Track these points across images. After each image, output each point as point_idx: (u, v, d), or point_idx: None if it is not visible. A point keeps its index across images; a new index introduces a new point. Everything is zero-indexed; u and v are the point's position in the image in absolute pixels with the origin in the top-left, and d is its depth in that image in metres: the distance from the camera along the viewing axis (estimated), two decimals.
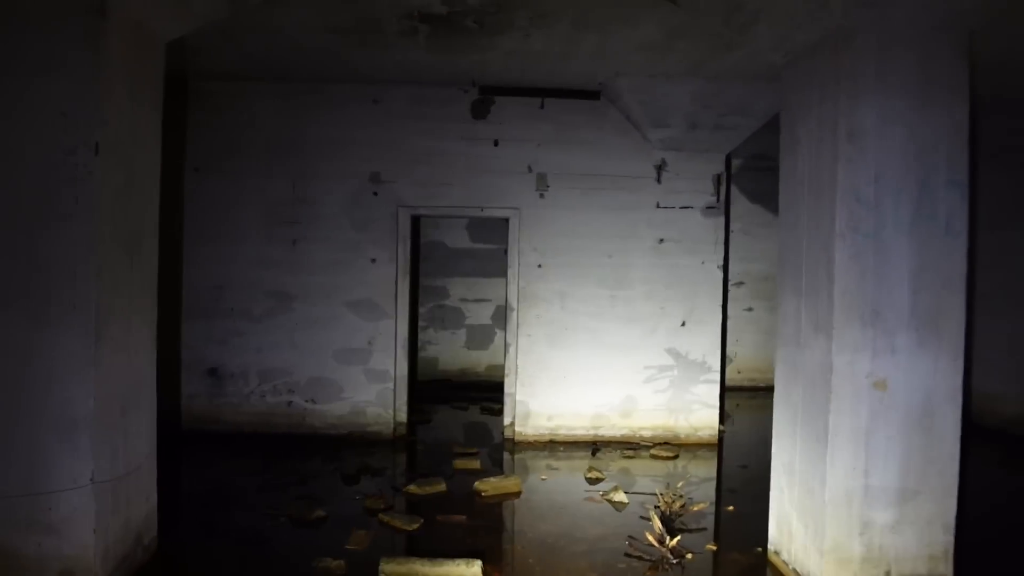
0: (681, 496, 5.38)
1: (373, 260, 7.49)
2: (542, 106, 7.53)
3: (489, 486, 5.89)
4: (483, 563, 4.30)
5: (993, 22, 4.01)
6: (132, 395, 4.15)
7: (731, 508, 5.66)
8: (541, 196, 7.54)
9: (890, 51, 3.85)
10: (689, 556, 4.59)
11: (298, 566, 4.40)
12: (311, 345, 7.47)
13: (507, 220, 7.63)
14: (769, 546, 4.59)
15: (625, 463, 6.93)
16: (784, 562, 4.36)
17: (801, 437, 4.19)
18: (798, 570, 4.19)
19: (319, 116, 7.39)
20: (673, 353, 7.65)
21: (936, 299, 3.92)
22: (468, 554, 4.39)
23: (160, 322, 4.54)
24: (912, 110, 3.87)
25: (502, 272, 10.23)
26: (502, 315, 10.27)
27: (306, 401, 7.50)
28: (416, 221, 8.17)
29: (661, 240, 7.63)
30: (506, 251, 7.71)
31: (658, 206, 7.61)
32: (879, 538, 3.91)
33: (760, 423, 8.59)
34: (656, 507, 5.28)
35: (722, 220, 7.75)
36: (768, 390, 4.62)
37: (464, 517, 5.32)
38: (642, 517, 5.25)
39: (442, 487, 5.89)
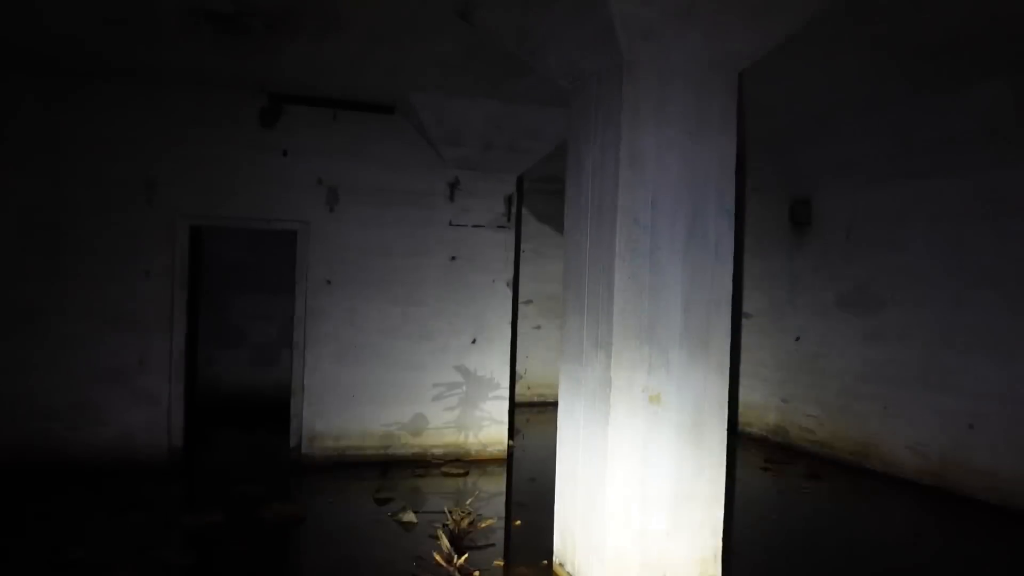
0: (470, 513, 5.39)
1: (146, 273, 6.94)
2: (335, 117, 7.35)
3: (272, 512, 5.60)
4: None
5: (756, 65, 4.36)
6: None
7: (518, 522, 5.74)
8: (331, 210, 7.35)
9: (670, 84, 4.09)
10: (476, 574, 4.59)
11: None
12: (71, 366, 6.76)
13: (295, 233, 7.35)
14: (554, 558, 4.69)
15: (416, 482, 6.86)
16: (568, 573, 4.46)
17: (583, 449, 4.31)
18: None
19: (90, 114, 6.75)
20: (463, 371, 7.69)
21: (706, 318, 4.19)
22: None
23: None
24: (688, 140, 4.13)
25: (288, 288, 9.88)
26: (288, 332, 9.87)
27: (66, 429, 6.79)
28: (197, 232, 7.69)
29: (453, 258, 7.67)
30: (294, 265, 7.41)
31: (451, 224, 7.65)
32: (655, 544, 4.10)
33: (549, 437, 8.76)
34: (444, 525, 5.25)
35: (512, 239, 7.93)
36: (557, 405, 4.73)
37: (245, 547, 5.01)
38: (431, 536, 5.19)
39: (220, 517, 5.53)
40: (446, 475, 7.10)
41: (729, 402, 4.28)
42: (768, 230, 8.95)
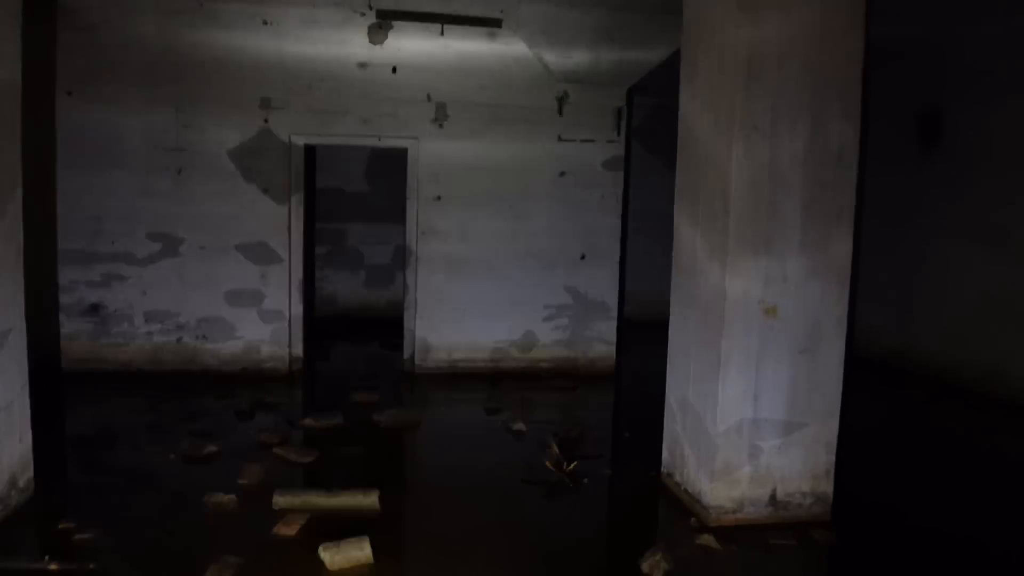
0: (578, 424, 5.47)
1: (265, 191, 7.18)
2: (442, 33, 7.28)
3: (387, 418, 5.83)
4: (381, 492, 4.26)
5: None
6: None
7: (627, 434, 5.79)
8: (440, 126, 7.37)
9: None
10: (585, 480, 4.68)
11: (187, 502, 4.26)
12: (200, 284, 7.14)
13: (405, 151, 7.43)
14: (662, 468, 4.72)
15: (525, 394, 6.99)
16: (676, 483, 4.49)
17: (695, 364, 4.27)
18: (689, 490, 4.32)
19: (205, 38, 6.94)
20: (573, 292, 7.68)
21: (827, 228, 4.02)
22: (366, 485, 4.34)
23: (32, 257, 4.23)
24: (811, 40, 3.90)
25: (401, 218, 10.09)
26: (402, 256, 10.12)
27: (196, 339, 7.22)
28: (311, 151, 7.87)
29: (562, 173, 7.60)
30: (405, 190, 7.52)
31: (559, 139, 7.56)
32: (766, 459, 4.06)
33: (657, 356, 8.75)
34: (554, 434, 5.35)
35: (622, 154, 7.77)
36: (665, 325, 4.69)
37: (362, 449, 5.26)
38: (541, 445, 5.30)
39: (339, 420, 5.80)
40: (554, 388, 7.20)
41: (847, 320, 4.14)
42: (892, 146, 8.45)
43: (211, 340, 7.22)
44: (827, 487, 4.18)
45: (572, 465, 4.69)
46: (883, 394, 7.40)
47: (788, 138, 3.92)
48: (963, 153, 7.58)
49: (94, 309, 7.08)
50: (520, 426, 5.74)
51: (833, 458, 4.17)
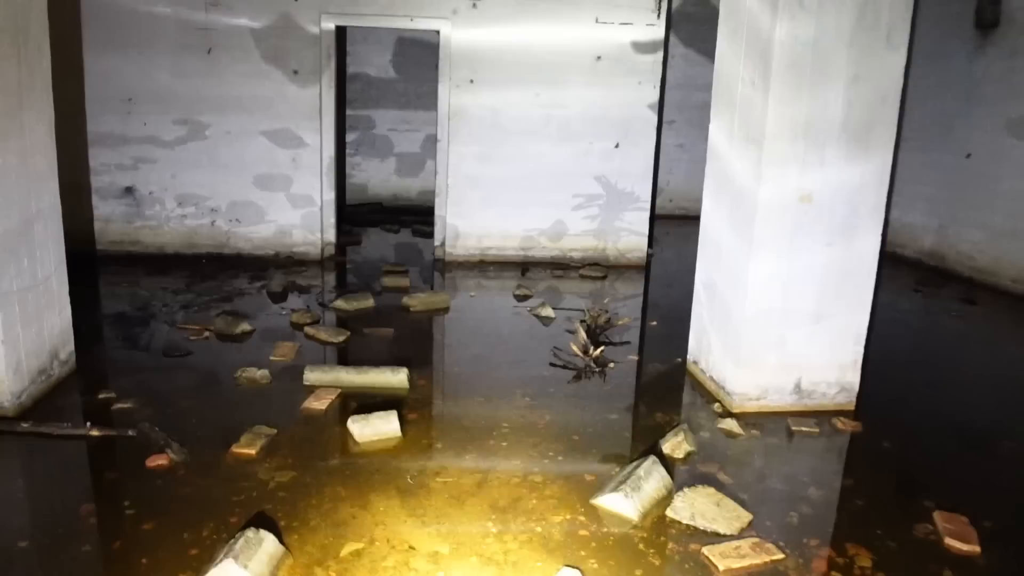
0: (606, 311, 5.48)
1: (295, 72, 7.08)
2: None
3: (417, 301, 5.89)
4: (409, 371, 4.34)
5: None
6: (32, 200, 3.90)
7: (654, 323, 5.81)
8: (474, 6, 7.13)
9: None
10: (611, 365, 4.71)
11: (221, 377, 4.38)
12: (232, 166, 7.15)
13: (438, 33, 7.23)
14: (688, 356, 4.73)
15: (554, 282, 7.00)
16: (702, 370, 4.51)
17: (726, 250, 4.22)
18: (714, 377, 4.33)
19: None
20: (603, 182, 7.56)
21: (869, 114, 3.86)
22: (395, 364, 4.42)
23: (62, 139, 4.22)
24: None
25: (431, 106, 9.93)
26: (432, 145, 10.04)
27: (229, 222, 7.28)
28: (341, 33, 7.70)
29: (598, 57, 7.37)
30: (437, 72, 7.35)
31: (597, 21, 7.29)
32: (793, 348, 4.05)
33: (688, 250, 8.67)
34: (582, 320, 5.37)
35: (661, 39, 7.49)
36: (696, 219, 4.61)
37: (391, 331, 5.33)
38: (568, 331, 5.34)
39: (370, 303, 5.87)
40: (583, 277, 7.20)
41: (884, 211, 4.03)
42: (945, 32, 8.03)
43: (244, 224, 7.27)
44: (853, 377, 4.17)
45: (599, 350, 4.72)
46: (920, 291, 7.30)
47: (835, 14, 3.72)
48: (1022, 42, 7.19)
49: (128, 192, 7.14)
50: (548, 312, 5.77)
51: (861, 349, 4.14)
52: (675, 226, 10.05)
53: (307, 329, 5.20)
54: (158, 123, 7.02)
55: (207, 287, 6.30)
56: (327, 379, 4.25)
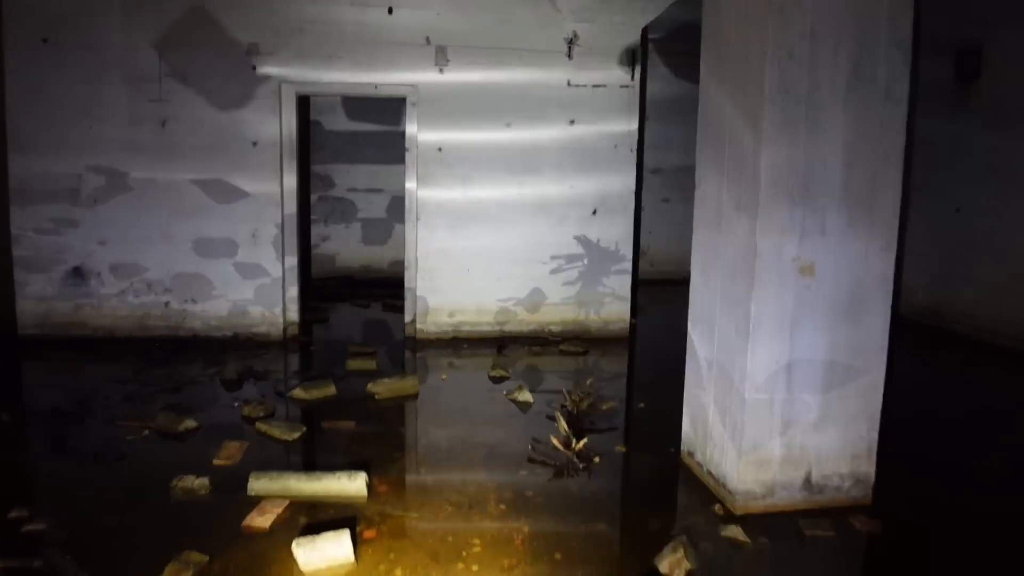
0: (589, 394, 5.01)
1: (254, 144, 6.69)
2: None
3: (383, 387, 5.39)
4: (368, 475, 3.84)
5: None
6: None
7: (643, 405, 5.32)
8: (441, 71, 6.81)
9: None
10: (596, 459, 4.22)
11: (155, 486, 3.83)
12: (186, 239, 6.70)
13: (403, 99, 6.90)
14: (682, 446, 4.26)
15: (533, 360, 6.54)
16: (698, 463, 4.03)
17: (720, 328, 3.79)
18: (713, 472, 3.85)
19: None
20: (583, 241, 7.18)
21: (871, 174, 3.49)
22: (354, 464, 3.93)
23: None
24: None
25: (393, 159, 9.55)
26: (398, 207, 9.68)
27: (184, 301, 6.79)
28: (304, 101, 7.36)
29: (572, 121, 7.04)
30: (402, 133, 7.00)
31: (569, 84, 6.99)
32: (801, 437, 3.59)
33: (674, 317, 8.21)
34: (562, 406, 4.90)
35: (637, 101, 7.20)
36: (683, 283, 4.20)
37: (353, 423, 4.82)
38: (548, 417, 4.85)
39: (331, 391, 5.37)
40: (564, 353, 6.74)
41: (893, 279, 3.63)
42: (926, 83, 7.81)
43: (198, 302, 6.79)
44: (868, 468, 3.71)
45: (581, 443, 4.23)
46: (919, 355, 6.88)
47: (829, 68, 3.37)
48: (1004, 92, 6.96)
49: (77, 272, 6.66)
50: (526, 396, 5.28)
51: (876, 435, 3.68)
52: (658, 291, 9.62)
53: (259, 424, 4.68)
54: (105, 187, 6.58)
55: (156, 375, 5.78)
56: (274, 488, 3.73)
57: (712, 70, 3.90)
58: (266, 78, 6.60)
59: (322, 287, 9.42)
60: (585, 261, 7.19)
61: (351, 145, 9.99)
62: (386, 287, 9.16)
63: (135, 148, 6.54)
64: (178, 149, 6.58)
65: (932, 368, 6.56)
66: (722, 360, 3.76)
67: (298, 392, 5.30)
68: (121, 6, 6.37)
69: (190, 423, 4.67)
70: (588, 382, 5.33)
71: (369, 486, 3.76)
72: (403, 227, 7.18)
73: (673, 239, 10.15)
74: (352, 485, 3.72)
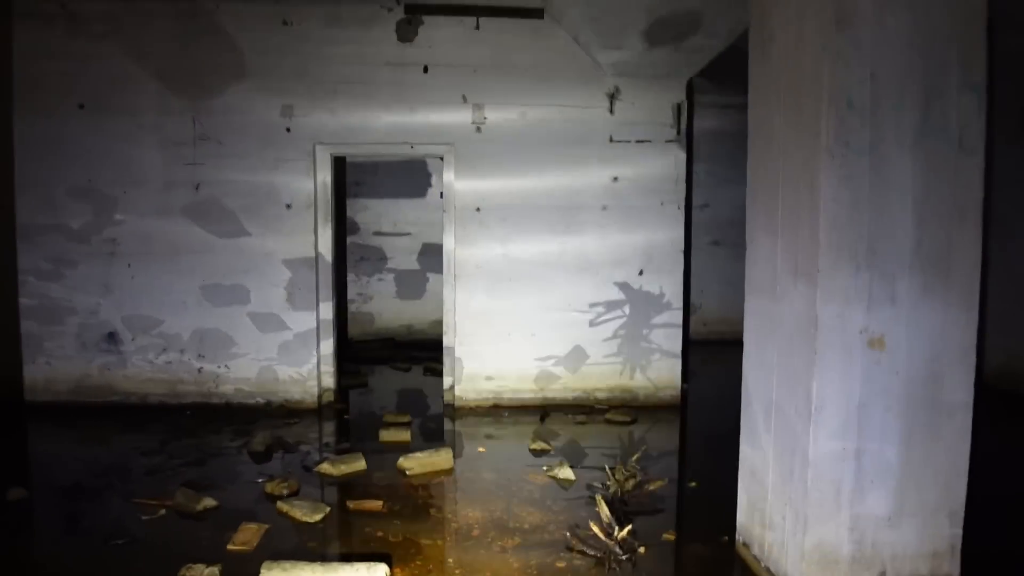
0: (635, 474, 4.61)
1: (288, 206, 6.54)
2: (477, 27, 6.56)
3: (415, 463, 5.07)
4: (391, 565, 3.51)
5: None
6: None
7: (694, 484, 4.89)
8: (478, 130, 6.62)
9: None
10: (641, 549, 3.82)
11: (164, 575, 3.55)
12: (220, 303, 6.54)
13: (440, 159, 6.72)
14: (737, 536, 3.84)
15: (576, 430, 6.16)
16: (755, 558, 3.60)
17: (778, 407, 3.40)
18: (772, 570, 3.42)
19: (219, 40, 6.37)
20: (624, 288, 6.79)
21: (945, 233, 3.11)
22: (376, 552, 3.60)
23: None
24: None
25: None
26: (430, 256, 9.41)
27: (217, 367, 6.60)
28: (339, 162, 7.24)
29: (615, 178, 6.76)
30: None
31: (611, 140, 6.72)
32: (872, 533, 3.15)
33: (729, 381, 7.76)
34: (604, 486, 4.51)
35: (683, 156, 6.89)
36: (737, 344, 3.83)
37: (380, 503, 4.48)
38: (590, 497, 4.47)
39: (361, 466, 5.07)
40: (610, 422, 6.35)
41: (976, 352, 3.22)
42: (991, 131, 7.33)
43: (232, 368, 6.59)
44: (952, 568, 3.24)
45: (625, 531, 3.83)
46: (996, 427, 6.30)
47: (894, 116, 3.03)
48: None
49: (111, 338, 6.53)
50: (567, 473, 4.91)
51: (960, 531, 3.23)
52: (712, 353, 9.17)
53: (280, 504, 4.38)
54: (146, 254, 6.48)
55: (183, 446, 5.56)
56: None
57: (761, 123, 3.59)
58: (300, 140, 6.48)
59: (362, 349, 9.19)
60: (626, 309, 6.80)
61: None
62: (428, 349, 8.87)
63: (169, 211, 6.45)
64: (212, 211, 6.47)
65: (1013, 443, 5.98)
66: (781, 444, 3.36)
67: (326, 467, 5.01)
68: (156, 73, 6.35)
69: (209, 502, 4.40)
70: (634, 458, 4.93)
71: None
72: (439, 276, 6.92)
73: (727, 297, 9.67)
74: None
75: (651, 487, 4.61)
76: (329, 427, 6.35)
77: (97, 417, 6.29)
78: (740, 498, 3.80)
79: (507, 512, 4.40)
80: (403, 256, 9.90)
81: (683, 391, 6.96)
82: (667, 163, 6.79)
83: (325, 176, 6.58)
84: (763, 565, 3.50)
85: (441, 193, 6.87)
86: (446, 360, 6.83)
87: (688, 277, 7.24)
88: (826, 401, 3.07)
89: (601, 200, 6.75)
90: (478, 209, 6.65)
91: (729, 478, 3.94)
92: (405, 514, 4.39)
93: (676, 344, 6.90)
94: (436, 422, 6.50)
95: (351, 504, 4.46)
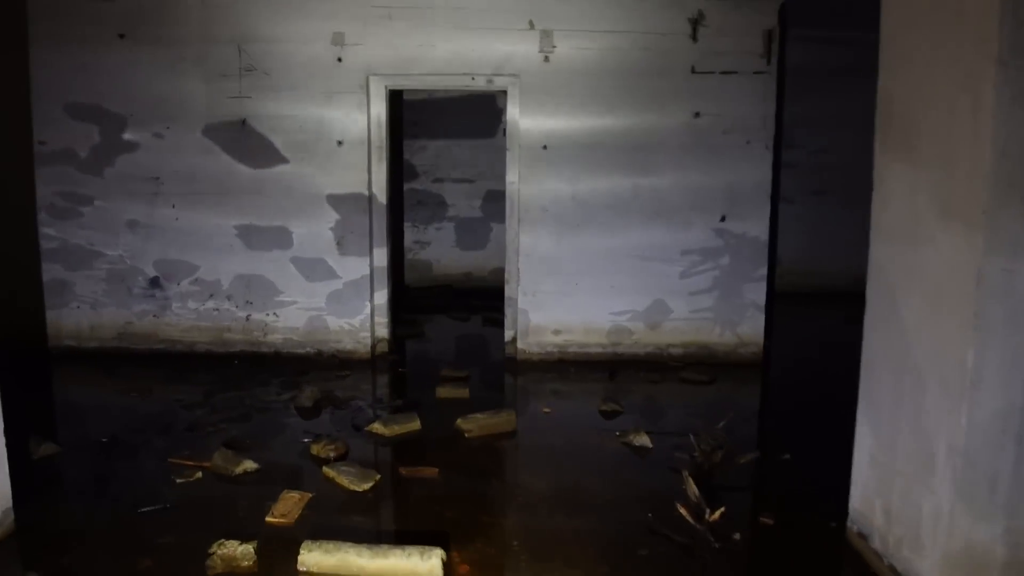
0: (721, 444, 4.07)
1: (339, 143, 6.06)
2: None
3: (475, 424, 4.61)
4: (447, 548, 3.07)
5: None
6: None
7: (787, 456, 4.32)
8: (546, 59, 6.00)
9: None
10: (736, 536, 3.30)
11: (195, 551, 3.16)
12: (266, 246, 6.14)
13: (504, 92, 6.14)
14: (850, 524, 3.29)
15: (649, 390, 5.65)
16: (876, 553, 3.05)
17: (916, 379, 2.81)
18: (898, 568, 2.88)
19: None
20: (708, 259, 6.20)
21: None
22: (432, 530, 3.18)
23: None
24: None
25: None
26: (494, 204, 8.76)
27: (266, 315, 6.23)
28: (395, 98, 6.71)
29: (697, 114, 6.09)
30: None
31: (693, 71, 6.04)
32: None
33: (811, 337, 7.22)
34: (691, 457, 3.98)
35: (773, 90, 6.17)
36: (816, 297, 3.24)
37: (436, 471, 4.05)
38: (671, 469, 3.96)
39: (415, 425, 4.64)
40: (685, 381, 5.80)
41: None
42: None
43: (281, 316, 6.21)
44: None
45: (717, 513, 3.32)
46: None
47: None
48: None
49: (155, 283, 6.20)
50: (643, 440, 4.40)
51: None
52: (789, 306, 8.44)
53: (326, 470, 3.97)
54: (189, 195, 6.10)
55: (228, 399, 5.21)
56: (330, 563, 3.00)
57: (899, 29, 2.93)
58: (352, 71, 5.96)
59: (419, 296, 8.75)
60: (710, 282, 6.21)
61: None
62: (488, 298, 8.37)
63: (212, 149, 6.03)
64: (258, 148, 6.03)
65: None
66: (920, 422, 2.78)
67: (377, 427, 4.59)
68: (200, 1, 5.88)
69: (249, 464, 4.02)
70: (720, 425, 4.38)
71: (447, 565, 2.97)
72: (502, 227, 6.39)
73: (806, 247, 8.94)
74: (425, 566, 2.94)
75: (741, 460, 4.07)
76: (382, 381, 5.95)
77: (141, 365, 6.00)
78: (855, 481, 3.24)
79: (577, 484, 3.92)
80: (465, 203, 9.30)
81: (765, 348, 6.35)
82: (755, 98, 6.08)
83: (380, 111, 6.06)
84: (886, 563, 2.95)
85: (504, 130, 6.30)
86: (507, 311, 6.34)
87: (775, 225, 6.56)
88: (984, 374, 2.47)
89: (680, 138, 6.10)
90: (545, 147, 6.07)
91: (827, 450, 3.44)
92: (463, 484, 3.95)
93: (761, 297, 6.28)
94: (496, 377, 6.05)
95: (404, 471, 4.04)
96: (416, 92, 8.56)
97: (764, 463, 4.22)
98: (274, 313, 6.23)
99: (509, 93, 6.06)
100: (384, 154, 6.13)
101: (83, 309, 6.21)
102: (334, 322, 6.21)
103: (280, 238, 6.11)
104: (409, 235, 9.26)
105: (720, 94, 6.06)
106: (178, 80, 5.98)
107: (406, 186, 9.11)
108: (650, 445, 4.38)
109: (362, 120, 6.02)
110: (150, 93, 5.98)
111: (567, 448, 4.45)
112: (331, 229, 6.11)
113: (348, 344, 6.23)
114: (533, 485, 3.93)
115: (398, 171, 8.44)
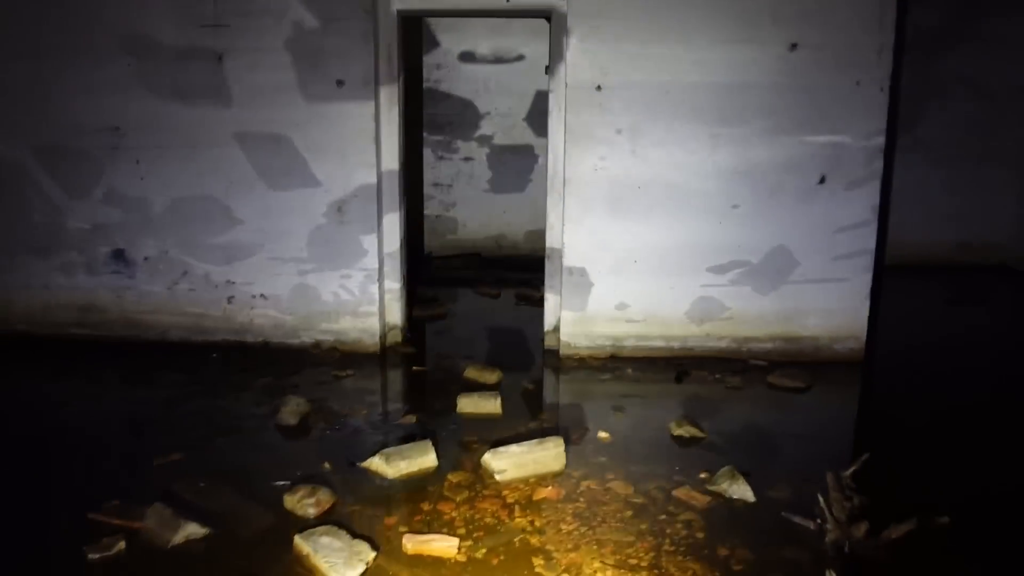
0: (853, 493, 2.81)
1: (340, 83, 4.79)
2: None
3: (509, 462, 3.41)
4: None
5: None
6: None
7: (946, 520, 3.05)
8: None
9: None
10: None
11: None
12: (250, 213, 4.95)
13: (548, 16, 4.82)
14: None
15: (731, 399, 4.43)
16: None
17: None
18: None
19: None
20: (801, 234, 4.90)
21: None
22: None
23: None
24: None
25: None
26: (537, 115, 7.29)
27: (252, 296, 5.06)
28: (412, 23, 5.40)
29: (794, 45, 4.72)
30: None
31: None
32: None
33: (913, 325, 5.88)
34: (819, 527, 2.75)
35: (891, 18, 4.78)
36: (927, 270, 2.02)
37: (455, 544, 2.84)
38: (782, 527, 2.74)
39: (429, 462, 3.46)
40: (773, 387, 4.58)
41: None
42: None
43: (270, 297, 5.04)
44: None
45: None
46: None
47: None
48: None
49: (118, 256, 5.06)
50: (743, 490, 3.18)
51: None
52: (895, 279, 6.85)
53: (299, 543, 2.79)
54: (152, 148, 4.91)
55: (192, 412, 4.07)
56: None
57: None
58: None
59: (441, 266, 7.52)
60: (805, 262, 4.92)
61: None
62: (521, 269, 7.08)
63: (183, 91, 4.80)
64: (238, 91, 4.79)
65: None
66: None
67: (377, 464, 3.41)
68: None
69: (193, 529, 2.88)
70: (849, 472, 3.12)
71: None
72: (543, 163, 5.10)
73: (934, 213, 7.30)
74: None
75: (894, 535, 2.83)
76: (392, 384, 4.80)
77: (101, 358, 4.86)
78: None
79: (659, 568, 2.71)
80: (502, 120, 7.62)
81: (869, 343, 5.06)
82: (869, 24, 4.71)
83: (391, 41, 4.80)
84: None
85: (547, 67, 5.00)
86: (548, 295, 5.11)
87: (888, 188, 5.23)
88: None
89: (772, 77, 4.75)
90: (599, 88, 4.75)
91: (997, 504, 2.16)
92: (493, 570, 2.75)
93: (865, 279, 4.99)
94: (535, 380, 4.83)
95: (408, 544, 2.84)
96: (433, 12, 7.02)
97: (922, 535, 2.96)
98: (262, 295, 5.05)
99: (553, 18, 4.76)
100: (396, 95, 4.89)
101: (34, 289, 5.09)
102: (334, 303, 5.03)
103: (270, 201, 4.91)
104: (429, 174, 7.73)
105: (824, 21, 4.72)
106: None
107: (426, 86, 7.53)
108: (752, 499, 3.16)
109: (368, 54, 4.75)
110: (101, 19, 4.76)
111: (637, 502, 3.22)
112: (332, 193, 4.89)
113: (352, 333, 5.06)
114: (594, 571, 2.72)
115: (419, 118, 7.19)
